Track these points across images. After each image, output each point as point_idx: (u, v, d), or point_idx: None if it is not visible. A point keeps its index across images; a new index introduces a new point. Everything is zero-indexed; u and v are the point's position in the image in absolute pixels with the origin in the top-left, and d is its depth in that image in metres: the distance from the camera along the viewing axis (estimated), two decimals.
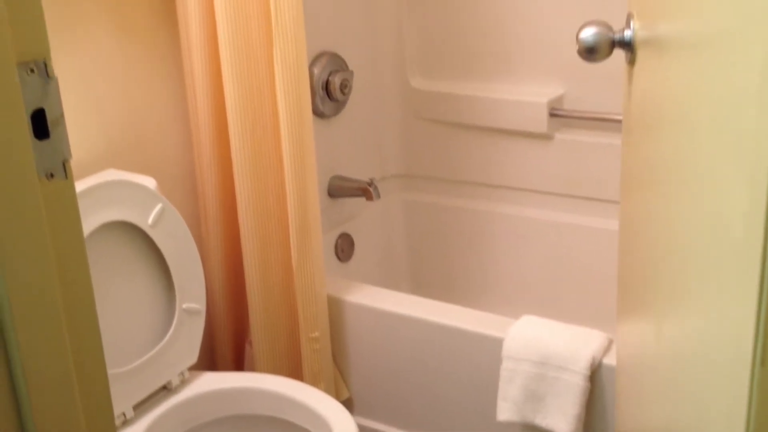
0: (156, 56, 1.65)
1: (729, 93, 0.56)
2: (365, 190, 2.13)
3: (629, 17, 1.02)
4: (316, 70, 2.05)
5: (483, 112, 2.16)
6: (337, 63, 2.11)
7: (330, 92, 2.08)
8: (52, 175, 0.74)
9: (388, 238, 2.40)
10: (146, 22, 1.61)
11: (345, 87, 2.10)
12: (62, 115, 0.74)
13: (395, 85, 2.30)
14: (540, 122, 2.07)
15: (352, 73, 2.12)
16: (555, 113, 2.06)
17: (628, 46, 1.01)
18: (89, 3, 1.49)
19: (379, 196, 2.13)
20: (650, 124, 0.90)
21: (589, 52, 1.03)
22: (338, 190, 2.17)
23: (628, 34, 1.00)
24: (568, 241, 2.15)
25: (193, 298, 1.53)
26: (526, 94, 2.09)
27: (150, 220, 1.42)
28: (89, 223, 1.29)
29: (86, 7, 1.48)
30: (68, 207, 0.77)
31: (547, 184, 2.15)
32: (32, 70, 0.71)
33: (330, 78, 2.08)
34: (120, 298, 1.41)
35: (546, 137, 2.11)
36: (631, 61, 1.02)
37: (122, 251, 1.42)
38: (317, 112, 2.07)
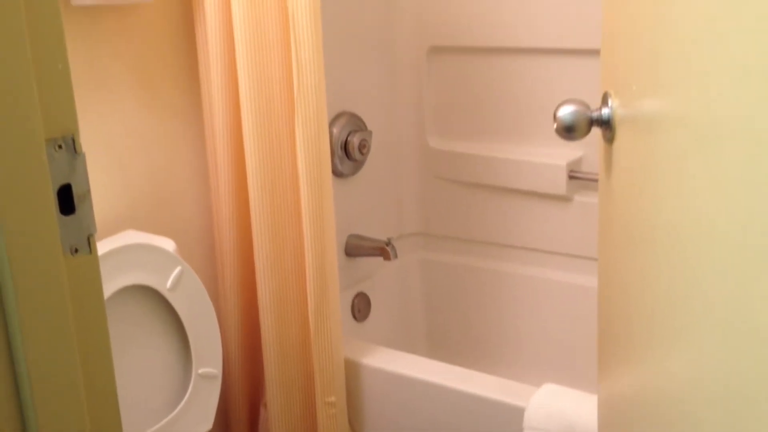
0: (178, 118, 1.66)
1: (712, 172, 0.57)
2: (383, 250, 2.11)
3: (606, 96, 1.02)
4: (335, 130, 2.06)
5: (501, 172, 2.16)
6: (356, 123, 2.12)
7: (349, 152, 2.09)
8: (76, 250, 0.73)
9: (405, 297, 2.38)
10: (169, 85, 1.62)
11: (364, 147, 2.10)
12: (88, 190, 0.74)
13: (413, 144, 2.31)
14: (559, 184, 2.06)
15: (370, 133, 2.13)
16: (574, 175, 2.05)
17: (606, 124, 1.01)
18: (114, 66, 1.50)
19: (396, 256, 2.11)
20: (634, 203, 0.90)
21: (568, 131, 1.03)
22: (355, 249, 2.16)
23: (606, 112, 1.01)
24: (587, 304, 2.12)
25: (209, 363, 1.51)
26: (545, 156, 2.08)
27: (168, 284, 1.41)
28: (108, 287, 1.28)
29: (111, 69, 1.50)
30: (91, 281, 0.76)
31: (566, 245, 2.13)
32: (60, 147, 0.71)
33: (349, 138, 2.08)
34: (136, 363, 1.40)
35: (565, 199, 2.09)
36: (610, 140, 1.02)
37: (139, 314, 1.41)
38: (336, 172, 2.07)
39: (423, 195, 2.34)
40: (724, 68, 0.62)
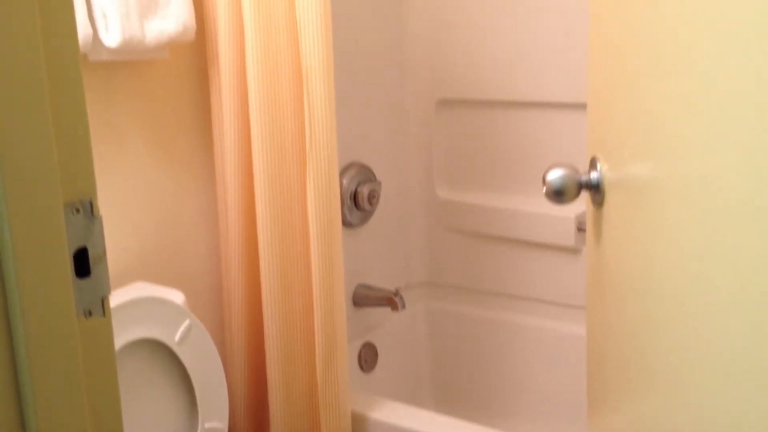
0: (189, 170, 1.67)
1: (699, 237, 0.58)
2: (390, 300, 2.11)
3: (594, 160, 1.03)
4: (344, 181, 2.07)
5: (510, 224, 2.16)
6: (366, 174, 2.13)
7: (358, 202, 2.10)
8: (90, 313, 0.73)
9: (412, 348, 2.37)
10: (182, 138, 1.64)
11: (373, 197, 2.11)
12: (104, 252, 0.74)
13: (422, 195, 2.32)
14: (568, 236, 2.06)
15: (380, 183, 2.14)
16: (583, 228, 2.05)
17: (595, 188, 1.01)
18: (128, 119, 1.52)
19: (404, 307, 2.10)
20: (627, 267, 0.90)
21: (557, 195, 1.03)
22: (363, 299, 2.15)
23: (594, 176, 1.01)
24: None
25: (215, 417, 1.50)
26: (554, 208, 2.08)
27: (177, 338, 1.41)
28: (117, 341, 1.28)
29: (124, 122, 1.51)
30: (104, 344, 0.76)
31: (575, 297, 2.12)
32: (78, 210, 0.71)
33: (358, 188, 2.09)
34: (142, 416, 1.38)
35: (573, 251, 2.09)
36: (599, 203, 1.02)
37: (147, 367, 1.40)
38: (344, 222, 2.07)
39: (431, 245, 2.34)
40: (717, 135, 0.63)
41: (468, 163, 2.25)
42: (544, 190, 1.04)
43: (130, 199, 1.55)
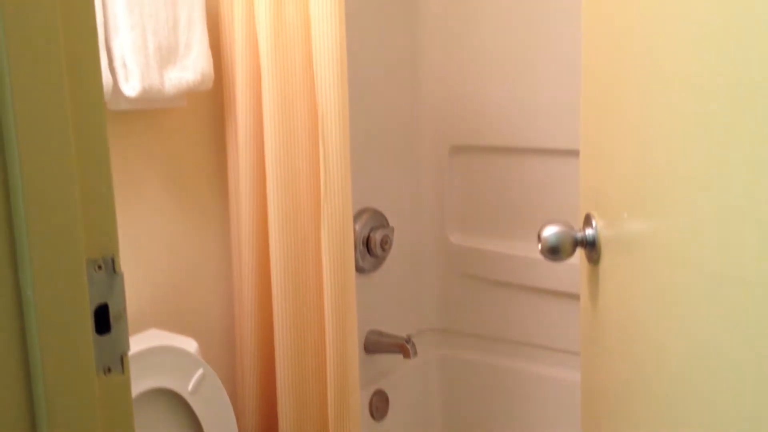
0: (204, 217, 1.67)
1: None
2: (402, 347, 2.09)
3: (589, 217, 1.02)
4: (357, 227, 2.07)
5: (522, 270, 2.15)
6: (379, 219, 2.14)
7: (370, 248, 2.10)
8: (109, 369, 0.73)
9: (423, 395, 2.34)
10: (197, 185, 1.65)
11: (386, 243, 2.11)
12: (124, 309, 0.74)
13: (434, 240, 2.31)
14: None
15: (392, 229, 2.14)
16: None
17: (591, 245, 1.00)
18: (144, 166, 1.53)
19: (416, 354, 2.09)
20: (626, 326, 0.89)
21: (552, 252, 1.02)
22: (375, 345, 2.14)
23: (590, 233, 1.00)
24: None
25: None
26: None
27: (190, 387, 1.40)
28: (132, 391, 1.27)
29: (141, 170, 1.52)
30: (123, 400, 0.76)
31: None
32: (100, 267, 0.72)
33: (371, 234, 2.09)
34: None
35: None
36: (595, 261, 1.01)
37: (159, 416, 1.39)
38: (357, 268, 2.07)
39: (443, 291, 2.33)
40: (713, 194, 0.63)
41: (481, 208, 2.25)
42: (539, 248, 1.04)
43: (145, 245, 1.55)
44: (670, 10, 0.73)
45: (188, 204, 1.64)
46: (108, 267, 0.72)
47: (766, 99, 0.57)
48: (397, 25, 2.17)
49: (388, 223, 2.16)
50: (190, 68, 1.44)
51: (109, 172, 0.71)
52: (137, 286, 1.55)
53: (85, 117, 0.68)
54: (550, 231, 1.02)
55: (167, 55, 1.40)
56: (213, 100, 1.64)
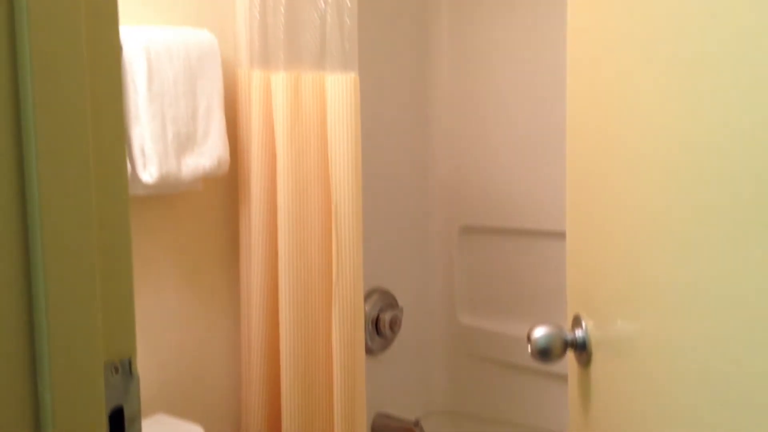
0: (215, 302, 1.68)
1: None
2: (410, 431, 2.06)
3: (578, 318, 1.00)
4: (367, 307, 2.07)
5: None
6: (388, 299, 2.13)
7: (379, 329, 2.09)
8: None
9: None
10: (209, 270, 1.66)
11: (395, 324, 2.11)
12: (139, 411, 0.74)
13: (443, 321, 2.31)
14: None
15: (401, 309, 2.14)
16: None
17: (581, 347, 0.98)
18: (158, 249, 1.54)
19: None
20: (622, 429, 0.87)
21: (542, 354, 0.99)
22: (382, 429, 2.11)
23: (580, 335, 0.98)
24: None
25: None
26: None
27: None
28: None
29: (154, 252, 1.54)
30: None
31: None
32: (117, 370, 0.72)
33: (380, 315, 2.09)
34: None
35: None
36: (585, 363, 0.99)
37: None
38: (365, 349, 2.06)
39: (452, 372, 2.31)
40: (702, 297, 0.63)
41: (490, 289, 2.25)
42: (528, 349, 1.02)
43: (156, 331, 1.55)
44: (649, 124, 0.74)
45: (199, 287, 1.64)
46: (125, 369, 0.72)
47: (750, 216, 0.57)
48: (409, 105, 2.21)
49: (397, 304, 2.16)
50: (207, 154, 1.47)
51: (130, 277, 0.72)
52: (146, 371, 1.54)
53: (109, 227, 0.69)
54: (539, 333, 1.00)
55: (185, 142, 1.43)
56: (228, 183, 1.67)
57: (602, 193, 0.90)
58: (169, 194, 1.53)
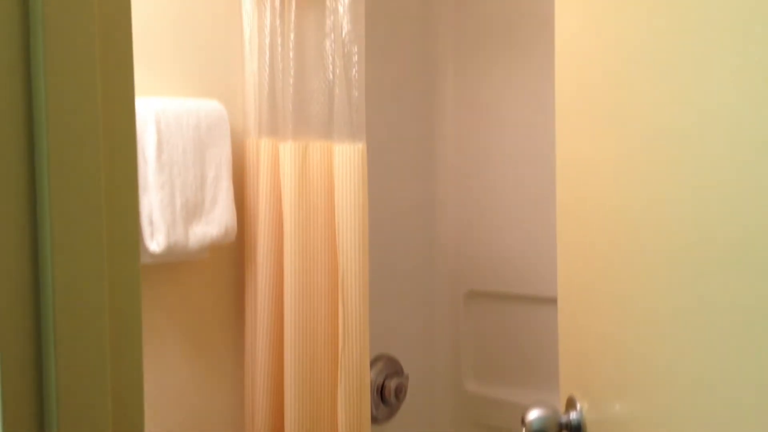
0: (218, 370, 1.66)
1: None
2: None
3: (572, 400, 0.99)
4: (372, 375, 2.04)
5: None
6: (393, 366, 2.11)
7: (384, 396, 2.06)
8: None
9: None
10: (213, 337, 1.64)
11: (400, 392, 2.08)
12: None
13: (449, 388, 2.27)
14: None
15: (407, 377, 2.11)
16: None
17: (576, 429, 0.97)
18: (163, 316, 1.53)
19: None
20: None
21: None
22: None
23: (574, 417, 0.97)
24: None
25: None
26: None
27: None
28: None
29: (159, 319, 1.53)
30: None
31: None
32: None
33: (385, 382, 2.06)
34: None
35: None
36: None
37: None
38: (371, 418, 2.02)
39: None
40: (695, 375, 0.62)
41: (497, 356, 2.23)
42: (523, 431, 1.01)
43: (160, 400, 1.53)
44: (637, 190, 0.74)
45: (203, 356, 1.62)
46: None
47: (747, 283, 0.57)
48: (415, 170, 2.23)
49: (402, 371, 2.14)
50: (215, 222, 1.47)
51: (140, 362, 0.72)
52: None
53: (121, 313, 0.69)
54: (534, 415, 0.99)
55: (193, 210, 1.43)
56: (234, 250, 1.67)
57: (593, 273, 0.90)
58: (175, 262, 1.53)
